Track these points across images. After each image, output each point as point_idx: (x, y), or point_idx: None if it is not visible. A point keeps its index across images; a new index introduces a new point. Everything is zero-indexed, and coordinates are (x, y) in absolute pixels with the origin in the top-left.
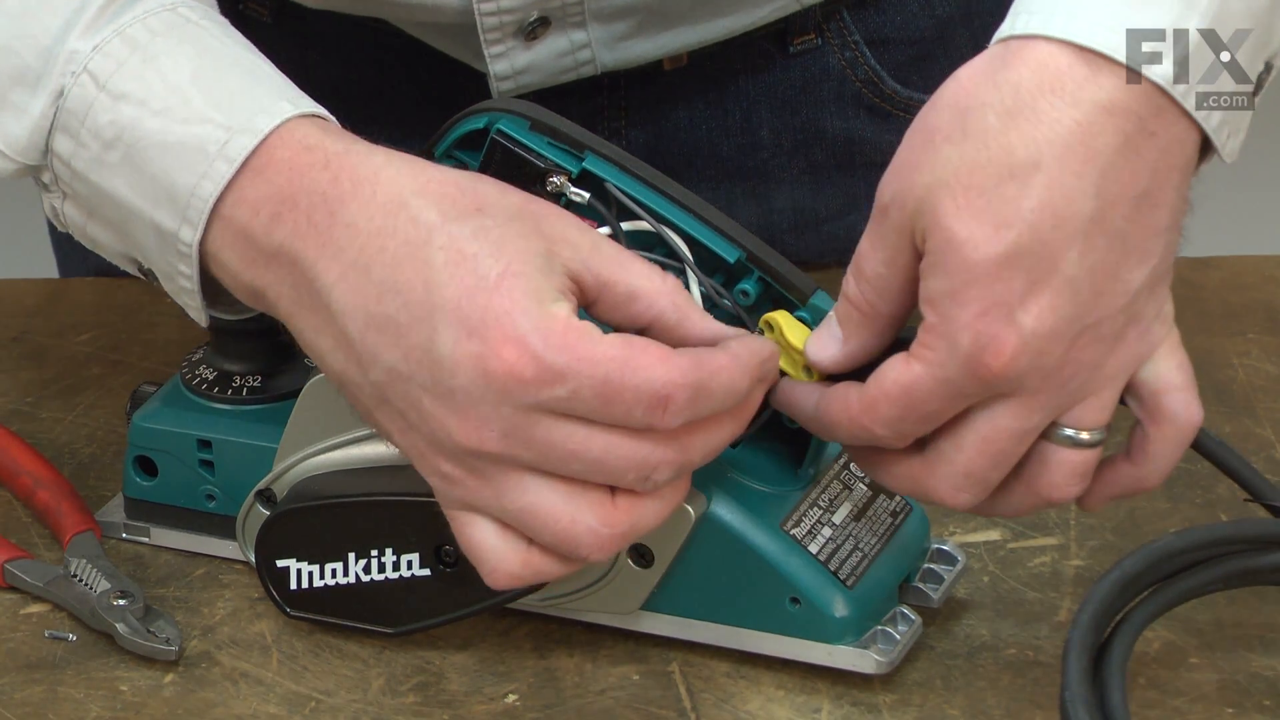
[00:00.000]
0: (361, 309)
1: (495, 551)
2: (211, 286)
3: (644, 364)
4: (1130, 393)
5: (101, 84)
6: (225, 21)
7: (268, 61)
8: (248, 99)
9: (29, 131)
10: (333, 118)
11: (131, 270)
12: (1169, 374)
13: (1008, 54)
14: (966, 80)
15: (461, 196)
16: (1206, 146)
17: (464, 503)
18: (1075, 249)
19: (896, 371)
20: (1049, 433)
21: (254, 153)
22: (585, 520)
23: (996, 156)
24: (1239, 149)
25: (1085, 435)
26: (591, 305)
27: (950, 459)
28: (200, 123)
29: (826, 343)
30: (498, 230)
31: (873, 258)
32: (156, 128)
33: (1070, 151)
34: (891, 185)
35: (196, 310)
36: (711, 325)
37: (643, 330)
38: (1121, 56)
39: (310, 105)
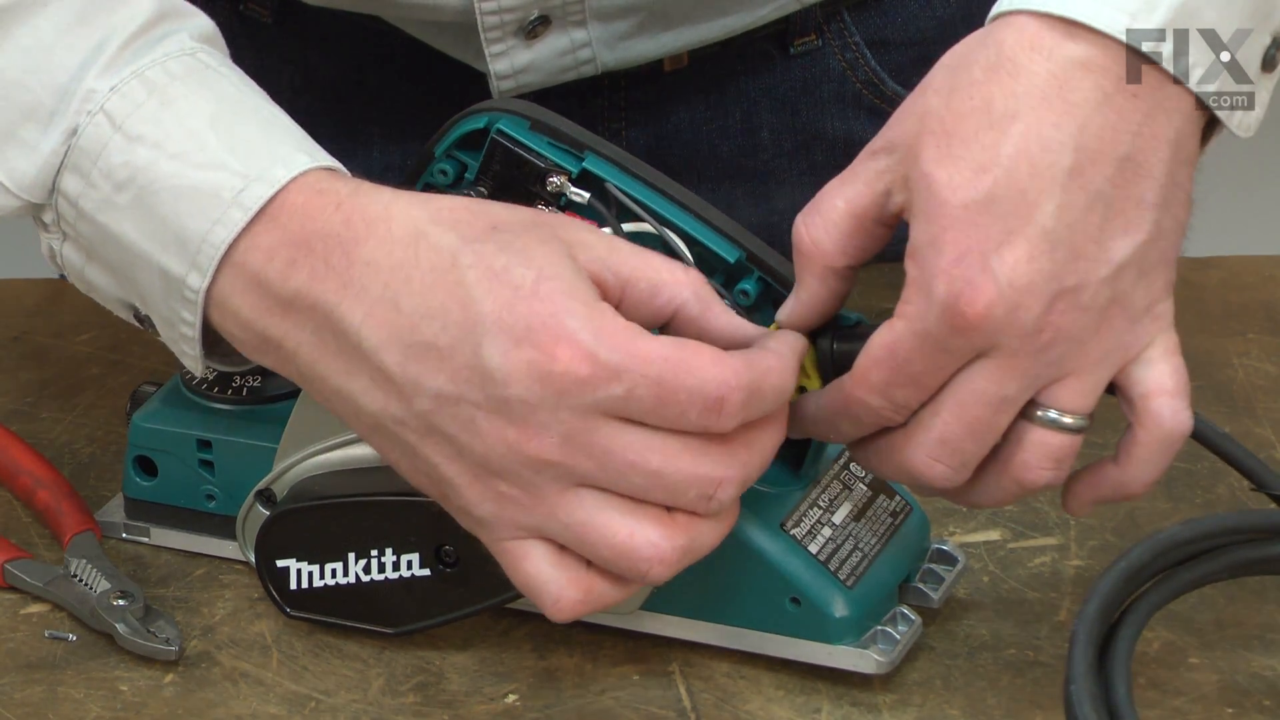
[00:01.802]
0: (396, 341)
1: (555, 582)
2: (209, 336)
3: (698, 365)
4: (1120, 392)
5: (117, 125)
6: (242, 72)
7: (284, 113)
8: (265, 148)
9: (37, 169)
10: (344, 168)
11: (125, 316)
12: (1161, 377)
13: (996, 24)
14: (960, 44)
15: (475, 219)
16: (1214, 124)
17: (519, 525)
18: (1053, 201)
19: (881, 335)
20: (1028, 412)
21: (269, 202)
22: (645, 533)
23: (978, 107)
24: (1256, 125)
25: (1066, 419)
26: (617, 305)
27: (927, 425)
28: (216, 169)
29: (787, 302)
30: (520, 241)
31: (834, 193)
32: (171, 171)
33: (1046, 102)
34: (883, 135)
35: (193, 359)
36: (734, 317)
37: (667, 323)
38: (1097, 24)
39: (326, 158)
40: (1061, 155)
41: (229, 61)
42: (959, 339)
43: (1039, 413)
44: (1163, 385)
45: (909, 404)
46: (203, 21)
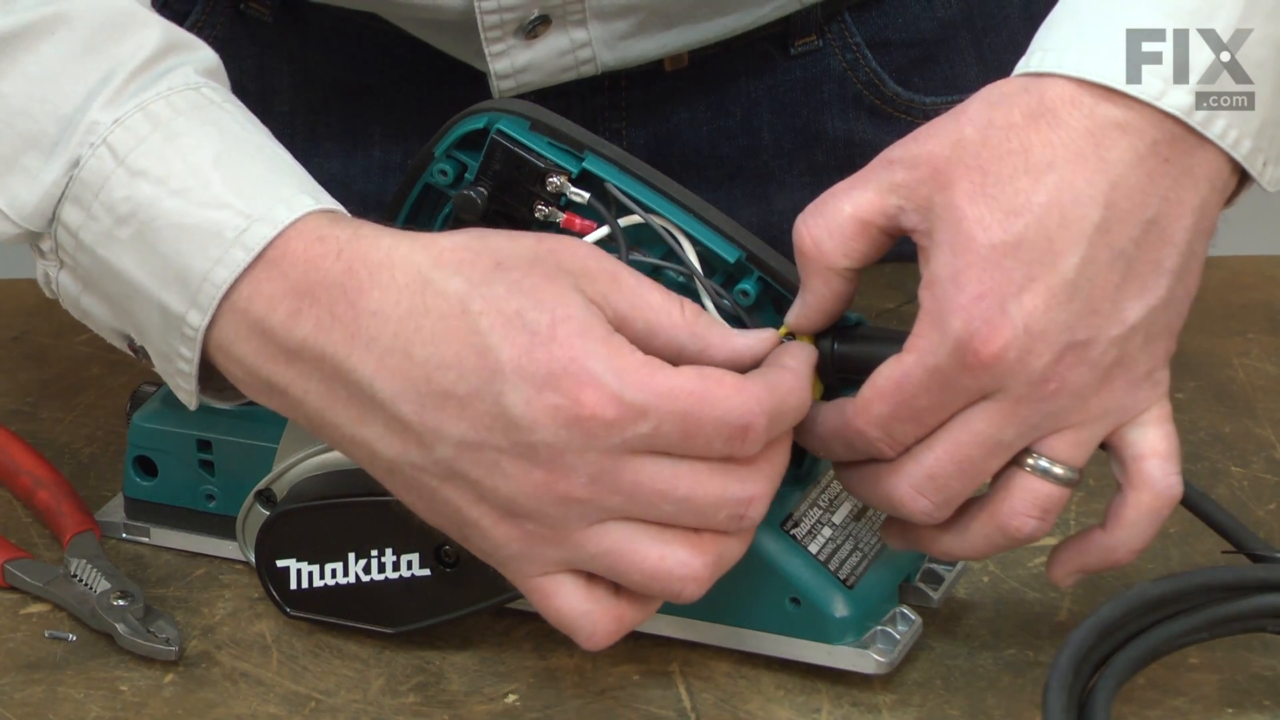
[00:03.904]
0: (411, 391)
1: (588, 615)
2: (204, 371)
3: (721, 395)
4: (1114, 453)
5: (120, 158)
6: (245, 108)
7: (287, 152)
8: (269, 188)
9: (38, 198)
10: (344, 210)
11: (119, 345)
12: (1155, 440)
13: (1035, 77)
14: (1002, 83)
15: (478, 259)
16: (1243, 179)
17: (547, 560)
18: (1078, 254)
19: (889, 368)
20: (1019, 459)
21: (270, 244)
22: (676, 554)
23: (1016, 150)
24: None
25: (1057, 469)
26: None
27: (918, 459)
28: (219, 207)
29: (794, 305)
30: (528, 280)
31: (841, 196)
32: (173, 208)
33: (1082, 158)
34: (907, 147)
35: (188, 394)
36: (730, 342)
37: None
38: (1135, 92)
39: (328, 200)
40: (1092, 210)
41: (232, 96)
42: (968, 377)
43: (1030, 460)
44: (1156, 448)
45: (906, 440)
46: (207, 54)
